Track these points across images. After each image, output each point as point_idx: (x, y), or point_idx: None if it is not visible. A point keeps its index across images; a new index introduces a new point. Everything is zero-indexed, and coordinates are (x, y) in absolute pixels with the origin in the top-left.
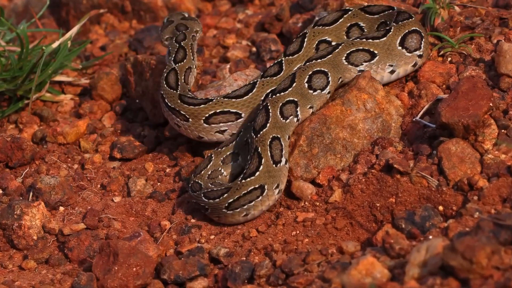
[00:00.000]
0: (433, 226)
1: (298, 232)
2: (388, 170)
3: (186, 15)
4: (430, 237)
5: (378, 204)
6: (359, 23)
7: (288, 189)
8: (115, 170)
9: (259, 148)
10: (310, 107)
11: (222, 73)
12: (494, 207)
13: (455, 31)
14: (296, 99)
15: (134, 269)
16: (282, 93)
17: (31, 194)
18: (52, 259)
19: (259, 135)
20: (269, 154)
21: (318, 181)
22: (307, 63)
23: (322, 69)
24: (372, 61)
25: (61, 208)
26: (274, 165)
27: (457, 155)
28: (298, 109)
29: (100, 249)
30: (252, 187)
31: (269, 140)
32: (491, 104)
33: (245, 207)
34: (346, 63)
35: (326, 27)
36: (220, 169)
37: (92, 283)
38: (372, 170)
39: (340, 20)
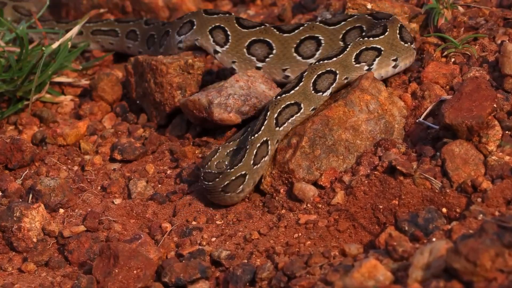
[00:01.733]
0: (437, 228)
1: (300, 234)
2: (391, 172)
3: None
4: (434, 239)
5: (381, 206)
6: (317, 35)
7: (290, 191)
8: (115, 171)
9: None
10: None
11: (224, 74)
12: (498, 209)
13: (458, 31)
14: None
15: (135, 271)
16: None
17: (30, 196)
18: (52, 261)
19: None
20: (312, 80)
21: (321, 183)
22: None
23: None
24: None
25: (61, 210)
26: (314, 92)
27: (460, 157)
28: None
29: (100, 252)
30: (289, 102)
31: (323, 71)
32: (495, 105)
33: (290, 120)
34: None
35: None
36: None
37: (93, 285)
38: (375, 172)
39: (296, 31)
